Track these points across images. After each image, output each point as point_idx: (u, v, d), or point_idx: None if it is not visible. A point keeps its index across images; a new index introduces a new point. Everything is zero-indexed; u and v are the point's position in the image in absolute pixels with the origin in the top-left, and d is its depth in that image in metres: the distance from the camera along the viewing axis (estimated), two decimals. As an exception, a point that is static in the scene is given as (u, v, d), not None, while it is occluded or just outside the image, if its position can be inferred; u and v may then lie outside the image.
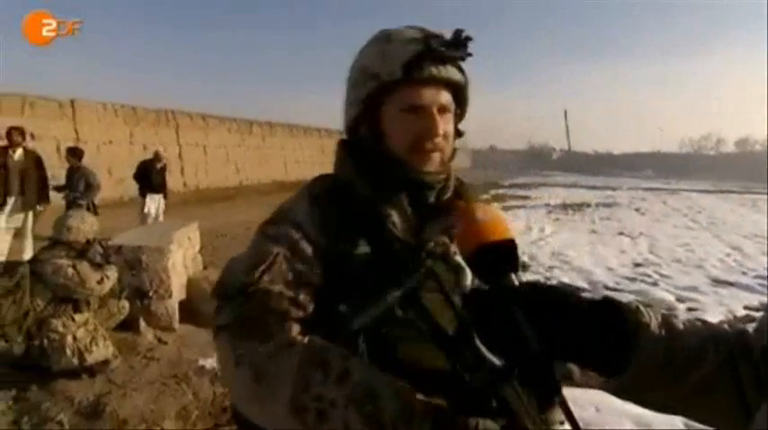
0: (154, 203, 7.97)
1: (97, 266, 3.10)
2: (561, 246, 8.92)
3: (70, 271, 2.90)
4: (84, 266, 2.98)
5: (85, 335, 2.98)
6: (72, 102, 11.88)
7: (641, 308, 0.60)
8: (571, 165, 56.42)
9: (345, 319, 0.70)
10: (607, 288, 6.17)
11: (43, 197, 5.80)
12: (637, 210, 16.22)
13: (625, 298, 4.33)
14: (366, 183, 0.82)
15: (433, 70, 0.77)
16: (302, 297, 0.74)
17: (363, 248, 0.78)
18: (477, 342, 0.69)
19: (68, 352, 2.89)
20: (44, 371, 2.94)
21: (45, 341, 2.90)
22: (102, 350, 3.02)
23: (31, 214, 5.69)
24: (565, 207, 16.59)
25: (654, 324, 0.58)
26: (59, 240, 3.06)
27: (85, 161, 7.12)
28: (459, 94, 0.83)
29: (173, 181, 14.43)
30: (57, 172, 8.21)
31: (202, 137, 16.01)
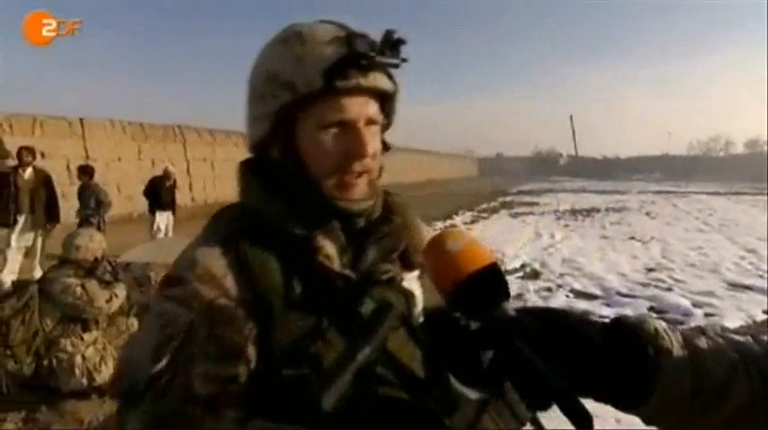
0: (163, 220, 8.05)
1: (106, 284, 3.09)
2: (572, 252, 8.81)
3: (79, 290, 2.90)
4: (92, 285, 2.97)
5: (95, 354, 2.97)
6: (81, 120, 12.03)
7: (660, 329, 0.52)
8: (579, 171, 56.09)
9: (310, 400, 0.55)
10: (620, 294, 6.06)
11: (53, 216, 5.84)
12: (647, 214, 16.04)
13: (639, 304, 4.22)
14: (282, 212, 0.67)
15: (360, 78, 0.63)
16: (233, 369, 0.59)
17: (296, 290, 0.64)
18: (452, 379, 0.57)
19: (77, 372, 2.88)
20: (54, 392, 2.93)
21: (54, 361, 2.89)
22: (112, 369, 3.00)
23: (40, 233, 5.74)
24: (574, 212, 16.44)
25: (676, 348, 0.51)
26: (68, 259, 3.06)
27: (95, 178, 7.18)
28: (387, 102, 0.71)
29: (181, 196, 14.54)
30: (67, 190, 8.29)
31: (210, 152, 16.12)
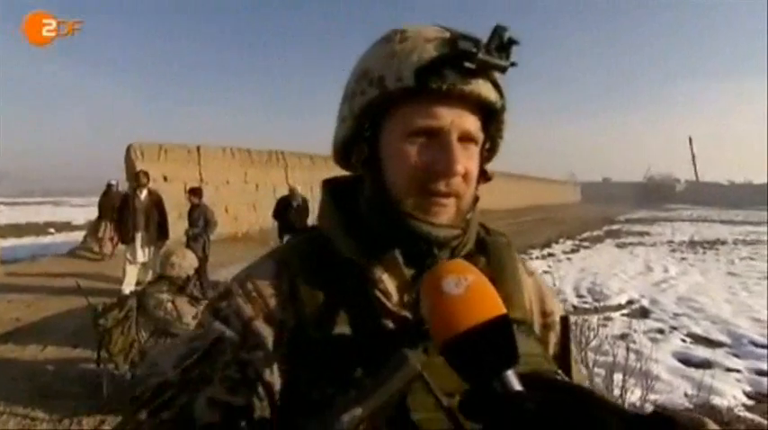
0: None
1: (195, 301, 3.26)
2: (690, 290, 7.74)
3: (169, 305, 3.08)
4: (182, 302, 3.14)
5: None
6: (198, 147, 13.38)
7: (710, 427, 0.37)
8: (700, 198, 50.23)
9: None
10: (755, 344, 5.13)
11: (164, 233, 6.44)
12: (789, 248, 13.72)
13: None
14: (350, 240, 0.60)
15: (460, 83, 0.54)
16: (245, 400, 0.53)
17: (342, 329, 0.56)
18: None
19: (165, 383, 3.03)
20: (146, 401, 3.11)
21: (146, 371, 3.07)
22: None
23: (154, 249, 6.33)
24: (693, 244, 14.61)
25: None
26: (163, 275, 3.28)
27: (206, 200, 7.76)
28: (492, 120, 0.60)
29: (281, 217, 15.48)
30: (185, 210, 9.10)
31: (309, 175, 16.95)
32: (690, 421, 0.36)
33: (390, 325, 0.57)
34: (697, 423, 0.37)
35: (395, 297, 0.58)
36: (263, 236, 13.77)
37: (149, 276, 6.19)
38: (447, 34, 0.56)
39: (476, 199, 0.63)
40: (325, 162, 18.55)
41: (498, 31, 0.53)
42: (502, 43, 0.53)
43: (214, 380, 0.54)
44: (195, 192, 7.78)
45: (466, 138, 0.57)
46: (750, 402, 3.77)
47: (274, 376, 0.55)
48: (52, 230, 18.16)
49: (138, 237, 6.19)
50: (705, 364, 4.46)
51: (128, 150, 11.60)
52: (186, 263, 3.32)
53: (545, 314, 0.70)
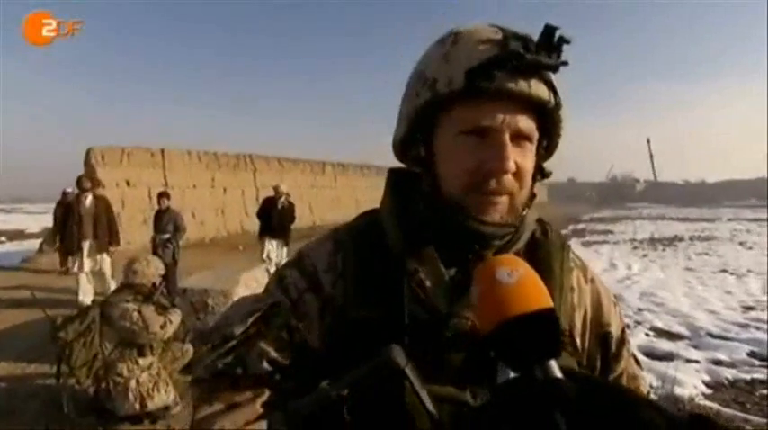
0: (273, 249, 7.28)
1: (162, 309, 3.14)
2: (652, 285, 8.03)
3: (135, 315, 2.96)
4: (148, 310, 3.03)
5: (149, 379, 3.00)
6: (162, 151, 13.01)
7: None
8: (658, 197, 52.32)
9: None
10: (711, 335, 5.36)
11: (114, 239, 6.19)
12: (741, 244, 14.40)
13: (736, 348, 3.66)
14: (398, 230, 0.64)
15: (510, 83, 0.55)
16: (290, 360, 0.58)
17: (377, 313, 0.59)
18: None
19: (131, 396, 2.91)
20: (110, 415, 2.98)
21: (111, 384, 2.94)
22: (164, 395, 3.01)
23: (105, 256, 6.07)
24: (653, 242, 15.17)
25: None
26: (128, 283, 3.15)
27: (171, 205, 7.47)
28: (546, 119, 0.61)
29: (250, 222, 15.18)
30: (148, 215, 8.74)
31: (278, 179, 16.74)
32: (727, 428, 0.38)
33: (423, 315, 0.58)
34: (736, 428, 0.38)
35: (431, 288, 0.60)
36: (230, 241, 13.51)
37: (110, 286, 5.96)
38: (499, 35, 0.57)
39: (533, 196, 0.64)
40: (295, 164, 18.35)
41: (548, 30, 0.54)
42: (552, 43, 0.54)
43: (267, 338, 0.59)
44: (166, 196, 7.54)
45: (519, 136, 0.58)
46: (708, 391, 3.93)
47: (316, 344, 0.61)
48: (3, 239, 17.24)
49: (86, 245, 5.89)
50: (668, 357, 4.62)
51: (87, 154, 11.16)
52: (151, 269, 3.20)
53: (600, 325, 0.68)
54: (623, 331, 0.71)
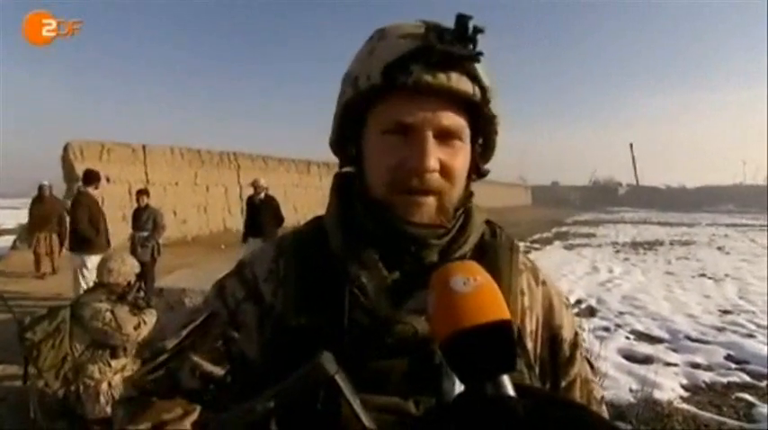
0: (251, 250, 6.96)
1: (137, 310, 3.05)
2: (633, 289, 8.12)
3: (108, 315, 2.86)
4: (122, 311, 2.93)
5: (121, 381, 2.90)
6: (144, 147, 12.77)
7: None
8: (639, 201, 53.19)
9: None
10: (690, 338, 5.44)
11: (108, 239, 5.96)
12: (719, 248, 14.70)
13: (713, 351, 3.70)
14: (340, 234, 0.61)
15: (427, 76, 0.53)
16: (225, 372, 0.56)
17: (318, 321, 0.56)
18: None
19: (102, 399, 2.81)
20: (80, 419, 2.88)
21: (81, 387, 2.84)
22: (137, 398, 2.92)
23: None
24: (635, 245, 15.38)
25: None
26: (101, 282, 3.05)
27: (152, 202, 7.27)
28: (476, 115, 0.59)
29: (233, 220, 15.00)
30: (129, 213, 8.50)
31: (262, 177, 16.64)
32: None
33: (365, 322, 0.56)
34: None
35: (373, 294, 0.56)
36: (213, 239, 13.32)
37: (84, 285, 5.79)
38: (422, 29, 0.55)
39: (469, 195, 0.63)
40: (280, 163, 18.19)
41: (460, 20, 0.52)
42: (465, 33, 0.52)
43: (202, 351, 0.57)
44: (145, 193, 7.37)
45: (446, 134, 0.56)
46: (686, 394, 3.97)
47: (255, 355, 0.59)
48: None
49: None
50: (647, 360, 4.66)
51: (65, 149, 10.89)
52: (126, 268, 3.09)
53: (552, 328, 0.67)
54: (576, 334, 0.70)
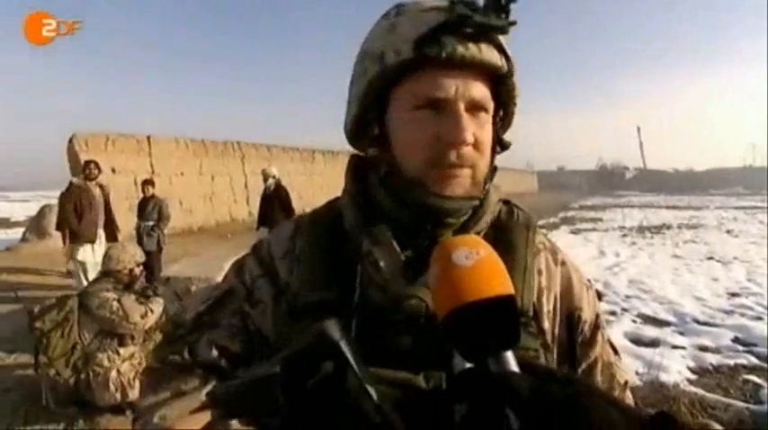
0: None
1: (144, 298, 3.08)
2: (640, 272, 8.08)
3: (115, 304, 2.89)
4: (128, 300, 2.96)
5: (130, 369, 2.94)
6: (148, 137, 12.77)
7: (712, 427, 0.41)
8: (647, 185, 52.81)
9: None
10: (697, 321, 5.41)
11: (115, 229, 5.97)
12: (728, 232, 14.57)
13: (721, 334, 3.67)
14: (355, 212, 0.62)
15: (460, 48, 0.52)
16: (241, 347, 0.60)
17: (331, 296, 0.57)
18: None
19: (112, 387, 2.86)
20: (91, 406, 2.93)
21: (91, 375, 2.88)
22: (146, 385, 2.96)
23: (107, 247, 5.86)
24: (642, 229, 15.29)
25: None
26: (107, 271, 3.08)
27: (158, 193, 7.25)
28: (501, 87, 0.58)
29: (239, 209, 15.06)
30: (135, 204, 8.49)
31: (266, 166, 16.66)
32: (695, 424, 0.38)
33: (377, 298, 0.56)
34: (701, 426, 0.39)
35: (387, 269, 0.56)
36: (219, 229, 13.38)
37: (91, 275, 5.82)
38: (445, 2, 0.54)
39: (494, 169, 0.62)
40: (284, 151, 18.17)
41: None
42: (499, 3, 0.51)
43: (220, 326, 0.61)
44: (151, 183, 7.38)
45: (475, 106, 0.55)
46: (693, 377, 3.96)
47: (270, 331, 0.60)
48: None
49: (103, 235, 5.58)
50: (654, 343, 4.65)
51: (71, 141, 10.91)
52: (126, 256, 3.11)
53: (571, 308, 0.65)
54: (598, 316, 0.68)
